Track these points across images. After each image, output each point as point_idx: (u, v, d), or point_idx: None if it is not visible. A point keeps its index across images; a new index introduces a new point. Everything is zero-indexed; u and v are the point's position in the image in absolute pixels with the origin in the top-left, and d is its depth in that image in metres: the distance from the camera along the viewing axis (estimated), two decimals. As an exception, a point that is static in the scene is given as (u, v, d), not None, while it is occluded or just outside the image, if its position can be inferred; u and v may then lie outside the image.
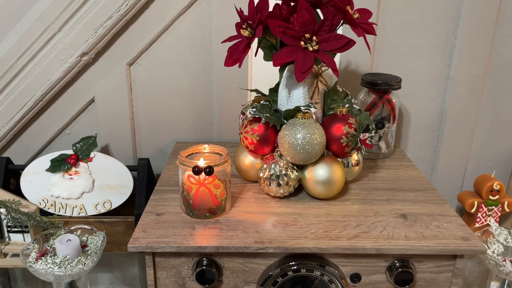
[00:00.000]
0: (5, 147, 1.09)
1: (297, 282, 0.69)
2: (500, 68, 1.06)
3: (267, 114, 0.75)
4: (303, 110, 0.75)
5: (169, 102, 1.08)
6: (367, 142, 0.78)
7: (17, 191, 1.00)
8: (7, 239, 0.97)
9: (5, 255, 0.96)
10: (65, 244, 0.83)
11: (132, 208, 1.00)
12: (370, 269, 0.70)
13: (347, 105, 0.79)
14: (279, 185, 0.77)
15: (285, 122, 0.76)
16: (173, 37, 1.02)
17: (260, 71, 0.94)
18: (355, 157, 0.82)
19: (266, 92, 0.85)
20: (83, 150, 1.02)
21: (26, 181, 1.01)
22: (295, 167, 0.78)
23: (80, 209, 1.01)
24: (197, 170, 0.69)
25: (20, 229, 0.97)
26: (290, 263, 0.67)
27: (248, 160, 0.83)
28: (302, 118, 0.74)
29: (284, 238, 0.68)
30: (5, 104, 1.02)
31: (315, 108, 0.75)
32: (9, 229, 0.97)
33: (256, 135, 0.77)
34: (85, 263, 0.81)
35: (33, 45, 0.98)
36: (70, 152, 1.02)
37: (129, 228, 0.98)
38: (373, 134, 0.86)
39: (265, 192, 0.80)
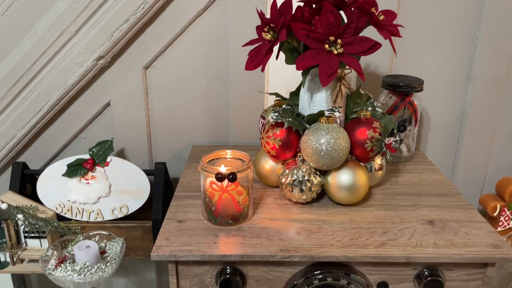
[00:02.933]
0: (21, 151, 1.08)
1: (323, 291, 0.68)
2: (522, 69, 1.04)
3: (290, 119, 0.74)
4: (327, 114, 0.73)
5: (185, 105, 1.07)
6: (391, 146, 0.76)
7: (33, 196, 1.00)
8: (24, 245, 0.96)
9: (22, 261, 0.96)
10: (84, 250, 0.82)
11: (148, 212, 0.99)
12: (398, 277, 0.68)
13: (370, 109, 0.77)
14: (301, 190, 0.75)
15: (308, 126, 0.75)
16: (189, 40, 1.01)
17: (277, 75, 0.93)
18: (378, 161, 0.80)
19: (285, 96, 0.83)
20: (100, 155, 1.01)
21: (43, 186, 1.00)
22: (318, 173, 0.76)
23: (97, 214, 1.00)
24: (220, 177, 0.67)
25: (37, 235, 0.96)
26: (316, 272, 0.66)
27: (268, 165, 0.82)
28: (326, 123, 0.73)
29: (309, 246, 0.67)
30: (21, 108, 1.02)
31: (339, 112, 0.74)
32: (26, 234, 0.96)
33: (278, 140, 0.75)
34: (104, 270, 0.80)
35: (48, 49, 0.98)
36: (87, 156, 1.01)
37: (146, 233, 0.97)
38: (397, 138, 0.84)
39: (287, 198, 0.79)
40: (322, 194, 0.80)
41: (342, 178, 0.75)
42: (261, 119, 0.85)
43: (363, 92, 0.80)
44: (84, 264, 0.80)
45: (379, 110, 0.80)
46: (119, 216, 1.00)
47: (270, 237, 0.69)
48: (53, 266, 0.80)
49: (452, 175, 1.13)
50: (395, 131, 0.76)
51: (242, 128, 1.08)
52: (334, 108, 0.74)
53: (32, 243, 0.96)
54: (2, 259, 0.97)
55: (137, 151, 1.10)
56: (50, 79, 0.99)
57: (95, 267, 0.80)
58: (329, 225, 0.72)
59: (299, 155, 0.76)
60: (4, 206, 0.90)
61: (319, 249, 0.66)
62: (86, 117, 1.06)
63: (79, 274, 0.79)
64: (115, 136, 1.07)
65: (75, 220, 0.99)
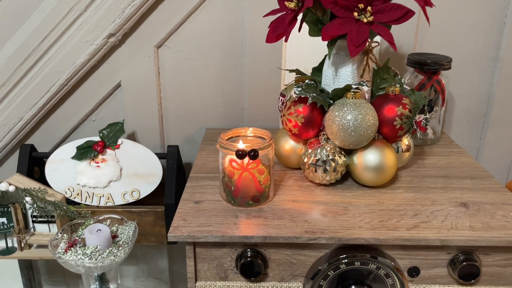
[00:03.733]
0: (29, 134, 1.04)
1: (349, 276, 0.63)
2: (553, 48, 0.99)
3: (314, 94, 0.69)
4: (354, 89, 0.68)
5: (198, 87, 1.02)
6: (421, 125, 0.72)
7: (42, 180, 0.96)
8: (32, 230, 0.93)
9: (30, 246, 0.92)
10: (95, 234, 0.78)
11: (159, 198, 0.95)
12: (430, 262, 0.64)
13: (398, 85, 0.73)
14: (325, 171, 0.71)
15: (333, 103, 0.70)
16: (204, 18, 0.96)
17: (295, 54, 0.88)
18: (405, 141, 0.76)
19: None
20: (110, 137, 0.97)
21: (51, 169, 0.97)
22: (342, 152, 0.72)
23: (107, 199, 0.96)
24: (241, 154, 0.63)
25: (45, 219, 0.92)
26: (343, 255, 0.62)
27: (288, 145, 0.77)
28: (352, 98, 0.68)
29: (336, 228, 0.62)
30: (28, 89, 0.98)
31: (367, 86, 0.69)
32: (34, 219, 0.92)
33: (301, 117, 0.71)
34: (116, 255, 0.76)
35: (57, 26, 0.94)
36: (97, 138, 0.97)
37: (159, 219, 0.93)
38: (428, 116, 0.79)
39: (309, 179, 0.75)
40: (346, 176, 0.76)
41: (369, 158, 0.70)
42: (280, 97, 0.80)
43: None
44: (96, 248, 0.76)
45: (406, 87, 0.75)
46: (130, 200, 0.96)
47: (294, 219, 0.64)
48: (63, 250, 0.76)
49: (477, 160, 1.08)
50: (425, 108, 0.71)
51: (258, 110, 1.04)
52: (362, 82, 0.69)
53: (41, 228, 0.93)
54: (10, 245, 0.93)
55: (148, 135, 1.06)
56: (59, 58, 0.95)
57: (107, 251, 0.76)
58: (356, 207, 0.68)
59: (323, 134, 0.72)
60: (11, 188, 0.87)
61: (347, 231, 0.61)
62: (96, 98, 1.02)
63: (90, 258, 0.75)
64: (126, 119, 1.03)
65: (85, 204, 0.95)
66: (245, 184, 0.66)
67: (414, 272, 0.64)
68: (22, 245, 0.91)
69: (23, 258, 0.92)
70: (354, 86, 0.68)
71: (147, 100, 1.02)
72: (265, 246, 0.63)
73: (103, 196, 0.96)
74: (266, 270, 0.64)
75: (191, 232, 0.61)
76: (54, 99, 1.00)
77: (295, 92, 0.70)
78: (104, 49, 0.96)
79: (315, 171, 0.71)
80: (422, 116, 0.72)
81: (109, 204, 0.96)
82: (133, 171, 0.96)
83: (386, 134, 0.71)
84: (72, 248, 0.77)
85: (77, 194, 0.96)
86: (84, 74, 0.98)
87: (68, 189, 0.96)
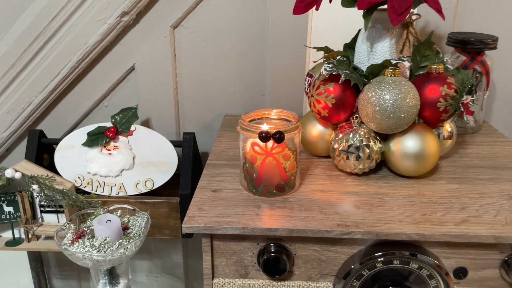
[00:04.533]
0: (38, 120, 0.99)
1: (387, 276, 0.56)
2: None
3: (347, 71, 0.62)
4: (394, 65, 0.61)
5: (217, 70, 0.95)
6: (468, 108, 0.63)
7: (51, 168, 0.90)
8: (40, 220, 0.87)
9: (38, 237, 0.87)
10: (104, 225, 0.72)
11: (174, 189, 0.89)
12: (480, 262, 0.56)
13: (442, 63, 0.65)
14: (358, 158, 0.63)
15: (367, 81, 0.63)
16: (223, -5, 0.90)
17: (322, 30, 0.80)
18: (447, 128, 0.68)
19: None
20: (123, 123, 0.91)
21: (61, 156, 0.91)
22: (378, 138, 0.64)
23: (119, 188, 0.90)
24: (264, 136, 0.56)
25: (54, 209, 0.87)
26: (380, 253, 0.54)
27: (316, 130, 0.70)
28: (391, 75, 0.60)
29: (372, 221, 0.55)
30: (38, 71, 0.92)
31: (409, 62, 0.61)
32: (42, 209, 0.87)
33: (332, 98, 0.63)
34: (127, 247, 0.70)
35: (67, 4, 0.88)
36: (109, 124, 0.91)
37: (173, 210, 0.87)
38: (475, 97, 0.71)
39: (339, 168, 0.67)
40: (380, 165, 0.68)
41: (408, 145, 0.62)
42: (307, 78, 0.73)
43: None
44: (104, 240, 0.70)
45: (450, 66, 0.67)
46: (144, 191, 0.90)
47: (323, 210, 0.57)
48: (70, 241, 0.71)
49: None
50: (473, 88, 0.63)
51: (280, 95, 0.96)
52: (402, 58, 0.61)
53: (49, 218, 0.88)
54: (17, 236, 0.88)
55: (163, 121, 0.99)
56: (70, 38, 0.90)
57: (117, 243, 0.70)
58: (393, 199, 0.60)
59: (356, 116, 0.64)
60: (17, 175, 0.81)
61: (385, 225, 0.54)
62: (109, 82, 0.96)
63: (98, 251, 0.69)
64: (140, 104, 0.97)
65: (95, 194, 0.90)
66: (268, 170, 0.59)
67: (461, 273, 0.56)
68: (30, 236, 0.86)
69: (30, 249, 0.87)
70: (393, 62, 0.61)
71: (162, 85, 0.96)
72: (291, 240, 0.56)
73: (115, 185, 0.90)
74: (292, 267, 0.57)
75: (208, 223, 0.54)
76: (65, 83, 0.94)
77: (325, 69, 0.62)
78: (117, 29, 0.90)
79: (347, 158, 0.64)
80: (470, 98, 0.63)
81: (121, 194, 0.90)
82: (147, 159, 0.90)
83: (427, 118, 0.63)
84: (79, 240, 0.71)
85: (88, 183, 0.90)
86: (96, 56, 0.93)
87: (78, 177, 0.90)
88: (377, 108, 0.60)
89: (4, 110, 0.95)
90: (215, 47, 0.94)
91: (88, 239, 0.71)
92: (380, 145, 0.64)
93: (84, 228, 0.76)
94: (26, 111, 0.95)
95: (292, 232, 0.53)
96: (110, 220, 0.73)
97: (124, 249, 0.70)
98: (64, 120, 0.99)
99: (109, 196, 0.90)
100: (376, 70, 0.62)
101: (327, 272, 0.57)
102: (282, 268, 0.55)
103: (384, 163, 0.68)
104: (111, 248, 0.69)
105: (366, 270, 0.55)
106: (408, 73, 0.64)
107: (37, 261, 0.99)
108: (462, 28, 0.89)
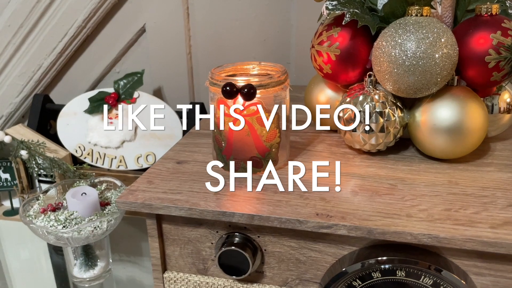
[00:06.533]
0: (50, 87, 0.94)
1: (388, 292, 0.40)
2: None
3: (356, 10, 0.45)
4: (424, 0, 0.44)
5: (234, 32, 0.83)
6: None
7: (57, 136, 0.84)
8: (38, 190, 0.81)
9: (34, 208, 0.81)
10: (77, 198, 0.63)
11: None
12: (532, 287, 0.37)
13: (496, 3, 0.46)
14: (368, 131, 0.47)
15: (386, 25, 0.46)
16: None
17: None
18: (506, 97, 0.49)
19: None
20: (126, 89, 0.82)
21: (63, 124, 0.85)
22: (398, 104, 0.48)
23: (120, 162, 0.82)
24: (229, 91, 0.42)
25: (51, 179, 0.80)
26: (379, 259, 0.38)
27: (324, 96, 0.55)
28: (417, 15, 0.43)
29: (368, 213, 0.39)
30: (45, 32, 0.87)
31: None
32: (40, 178, 0.81)
33: (335, 48, 0.48)
34: (98, 226, 0.61)
35: (74, -43, 0.80)
36: (111, 90, 0.82)
37: (173, 190, 0.76)
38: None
39: (346, 144, 0.51)
40: (407, 143, 0.51)
41: (441, 114, 0.45)
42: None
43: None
44: (71, 214, 0.61)
45: (511, 11, 0.48)
46: (145, 166, 0.81)
47: (305, 195, 0.42)
48: (36, 213, 0.63)
49: None
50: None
51: (308, 64, 0.81)
52: (432, -10, 0.44)
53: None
54: (16, 205, 0.83)
55: (176, 90, 0.89)
56: (76, -5, 0.83)
57: (86, 219, 0.61)
58: (410, 186, 0.43)
59: (369, 74, 0.48)
60: (7, 138, 0.76)
61: (384, 220, 0.38)
62: (119, 45, 0.88)
63: (64, 226, 0.60)
64: (151, 71, 0.88)
65: (93, 166, 0.82)
66: (239, 139, 0.45)
67: (500, 299, 0.38)
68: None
69: (24, 220, 0.81)
70: (418, -5, 0.44)
71: (175, 49, 0.86)
72: (259, 231, 0.42)
73: (115, 158, 0.82)
74: (262, 267, 0.43)
75: (149, 199, 0.42)
76: (73, 44, 0.87)
77: (327, 8, 0.46)
78: (124, -17, 0.81)
79: (353, 130, 0.48)
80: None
81: (121, 168, 0.82)
82: (149, 131, 0.80)
83: (472, 79, 0.45)
84: (47, 213, 0.63)
85: (88, 154, 0.83)
86: (105, 15, 0.85)
87: (79, 147, 0.83)
88: (394, 60, 0.43)
89: (16, 73, 0.91)
90: (234, 5, 0.81)
91: (52, 212, 0.63)
92: (402, 114, 0.47)
93: (63, 201, 0.68)
94: (37, 74, 0.90)
95: (253, 219, 0.39)
96: (85, 193, 0.64)
97: (95, 227, 0.61)
98: (75, 87, 0.93)
99: (108, 170, 0.82)
100: (398, 9, 0.45)
101: (308, 277, 0.43)
102: (243, 268, 0.42)
103: (410, 141, 0.51)
104: (78, 224, 0.60)
105: (358, 280, 0.40)
106: (450, 17, 0.47)
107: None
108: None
